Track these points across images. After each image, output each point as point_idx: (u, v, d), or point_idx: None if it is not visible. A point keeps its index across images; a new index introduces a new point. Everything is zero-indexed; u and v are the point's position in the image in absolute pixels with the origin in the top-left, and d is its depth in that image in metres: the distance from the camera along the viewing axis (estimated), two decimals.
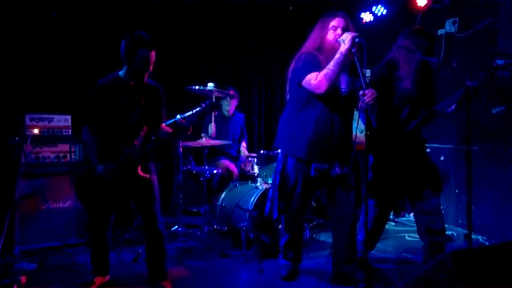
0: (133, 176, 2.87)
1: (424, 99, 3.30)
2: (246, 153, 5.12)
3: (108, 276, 3.13)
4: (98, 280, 3.05)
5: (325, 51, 2.99)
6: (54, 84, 4.53)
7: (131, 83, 2.87)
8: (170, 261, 3.31)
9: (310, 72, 2.91)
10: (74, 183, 2.94)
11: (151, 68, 2.86)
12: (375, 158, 3.38)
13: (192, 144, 4.22)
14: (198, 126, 3.86)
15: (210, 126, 4.53)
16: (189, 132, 2.91)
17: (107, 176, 2.79)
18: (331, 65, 2.84)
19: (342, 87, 3.01)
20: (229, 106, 5.09)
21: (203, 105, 2.89)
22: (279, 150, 3.29)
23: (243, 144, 5.18)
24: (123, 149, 2.84)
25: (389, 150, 3.33)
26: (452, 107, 3.26)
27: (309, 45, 3.08)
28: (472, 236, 3.48)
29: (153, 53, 2.82)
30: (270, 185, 3.95)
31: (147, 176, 2.91)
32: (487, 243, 4.10)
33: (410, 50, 3.27)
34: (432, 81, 3.44)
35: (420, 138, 3.43)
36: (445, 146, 4.89)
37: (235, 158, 5.06)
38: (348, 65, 2.92)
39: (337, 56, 2.83)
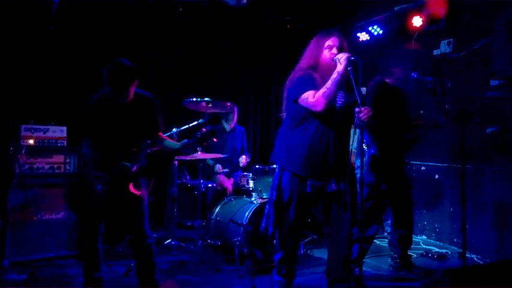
0: (124, 191, 2.86)
1: None
2: (244, 163, 5.03)
3: None
4: None
5: (321, 70, 3.01)
6: (50, 95, 4.53)
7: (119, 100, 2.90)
8: (162, 275, 3.27)
9: (305, 90, 2.92)
10: (66, 193, 2.93)
11: (131, 95, 2.88)
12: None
13: (187, 157, 4.20)
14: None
15: (241, 157, 5.00)
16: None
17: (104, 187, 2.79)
18: (328, 83, 2.86)
19: (337, 102, 3.03)
20: (231, 121, 5.09)
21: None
22: (275, 166, 3.28)
23: (243, 156, 5.09)
24: (119, 162, 2.84)
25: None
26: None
27: (304, 63, 3.10)
28: (467, 255, 3.48)
29: (133, 86, 2.85)
30: (264, 200, 3.96)
31: (138, 193, 2.90)
32: (481, 262, 4.10)
33: None
34: None
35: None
36: (439, 165, 4.92)
37: (231, 172, 5.02)
38: (344, 82, 2.94)
39: (334, 75, 2.85)
